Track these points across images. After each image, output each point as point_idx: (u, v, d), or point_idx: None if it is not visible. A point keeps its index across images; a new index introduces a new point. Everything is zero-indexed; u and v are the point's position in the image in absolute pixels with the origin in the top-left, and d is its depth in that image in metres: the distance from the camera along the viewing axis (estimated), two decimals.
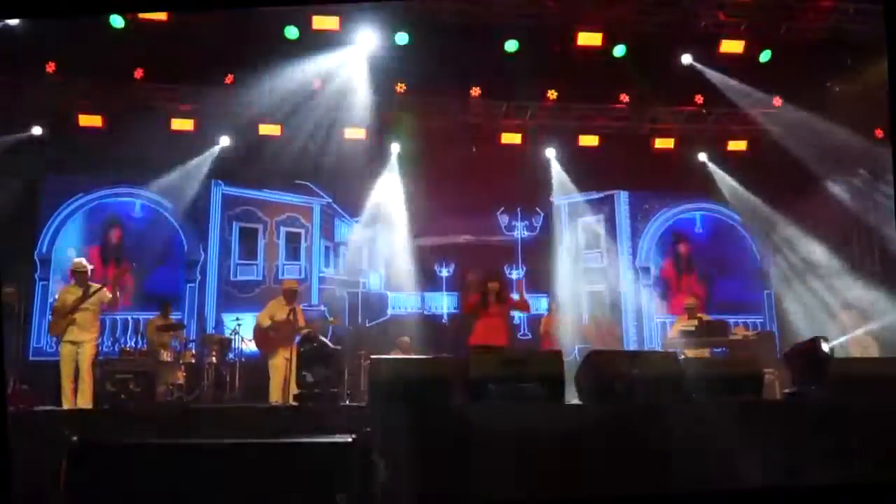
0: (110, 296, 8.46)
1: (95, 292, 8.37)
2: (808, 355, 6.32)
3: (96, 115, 11.45)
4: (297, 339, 8.91)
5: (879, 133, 12.12)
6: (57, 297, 8.98)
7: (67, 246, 11.78)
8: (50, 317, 8.87)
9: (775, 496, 4.34)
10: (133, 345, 10.66)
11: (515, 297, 9.09)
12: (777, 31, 10.67)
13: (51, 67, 10.63)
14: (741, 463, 4.84)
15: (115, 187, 12.30)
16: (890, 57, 1.97)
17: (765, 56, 10.91)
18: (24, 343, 11.22)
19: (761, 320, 13.22)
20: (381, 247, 13.11)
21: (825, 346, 6.43)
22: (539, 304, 12.24)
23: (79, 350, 8.20)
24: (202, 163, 12.13)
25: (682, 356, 8.88)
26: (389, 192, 12.77)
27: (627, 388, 5.70)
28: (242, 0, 7.22)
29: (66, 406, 7.96)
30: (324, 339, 8.71)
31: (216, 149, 12.14)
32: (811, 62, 11.15)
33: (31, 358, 11.18)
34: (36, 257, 11.79)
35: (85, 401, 8.06)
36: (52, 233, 11.97)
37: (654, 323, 13.22)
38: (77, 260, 9.01)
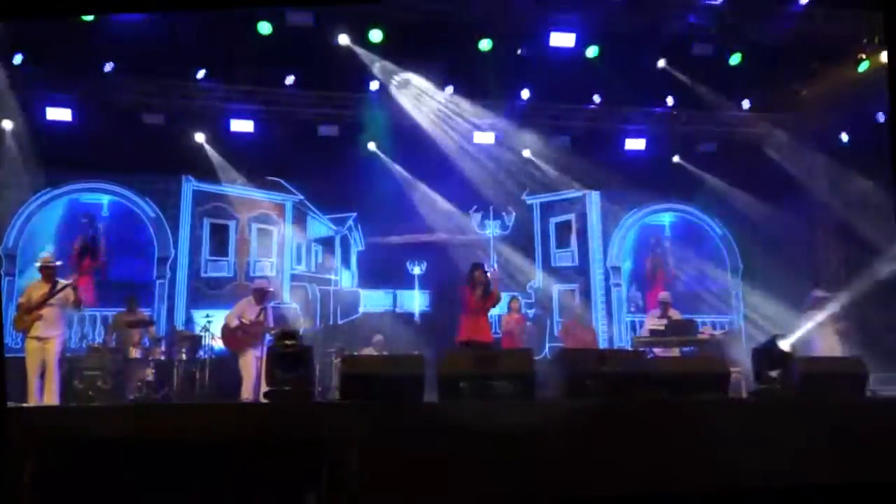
0: (74, 297, 8.32)
1: (62, 289, 8.25)
2: (771, 354, 6.41)
3: (65, 109, 11.28)
4: (269, 339, 8.86)
5: (844, 136, 12.36)
6: (23, 292, 8.84)
7: (32, 241, 11.62)
8: (15, 312, 8.71)
9: (775, 496, 4.40)
10: (101, 341, 10.51)
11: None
12: (747, 34, 10.81)
13: (18, 59, 10.45)
14: (709, 460, 4.91)
15: (83, 182, 12.14)
16: (890, 57, 1.99)
17: (735, 59, 11.04)
18: None
19: (729, 319, 13.39)
20: (353, 244, 13.10)
21: (785, 345, 6.52)
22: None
23: (45, 346, 8.08)
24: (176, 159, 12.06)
25: (652, 355, 8.98)
26: (364, 190, 12.77)
27: (598, 385, 5.75)
28: (221, 1, 7.14)
29: (31, 403, 7.83)
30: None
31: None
32: (780, 65, 11.31)
33: None
34: (1, 252, 11.60)
35: (51, 398, 7.95)
36: (19, 228, 11.78)
37: (624, 321, 13.35)
38: (44, 255, 8.88)
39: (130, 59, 10.64)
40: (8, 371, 8.64)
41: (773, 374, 6.22)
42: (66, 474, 2.32)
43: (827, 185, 12.42)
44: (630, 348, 11.11)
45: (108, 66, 10.83)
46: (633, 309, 13.41)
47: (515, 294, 12.19)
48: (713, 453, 4.93)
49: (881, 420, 5.37)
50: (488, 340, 8.69)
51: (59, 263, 8.75)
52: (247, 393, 9.05)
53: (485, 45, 10.68)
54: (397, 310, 12.90)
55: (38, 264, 8.73)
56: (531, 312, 12.87)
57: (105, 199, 12.26)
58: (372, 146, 12.56)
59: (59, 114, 11.26)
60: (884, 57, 10.97)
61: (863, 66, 11.29)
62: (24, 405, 7.82)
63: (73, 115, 11.31)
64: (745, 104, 12.34)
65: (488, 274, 8.91)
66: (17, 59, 10.44)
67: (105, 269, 10.95)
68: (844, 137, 12.38)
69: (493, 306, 8.95)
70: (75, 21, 9.46)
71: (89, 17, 9.57)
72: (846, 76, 11.54)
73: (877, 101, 11.72)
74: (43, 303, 8.14)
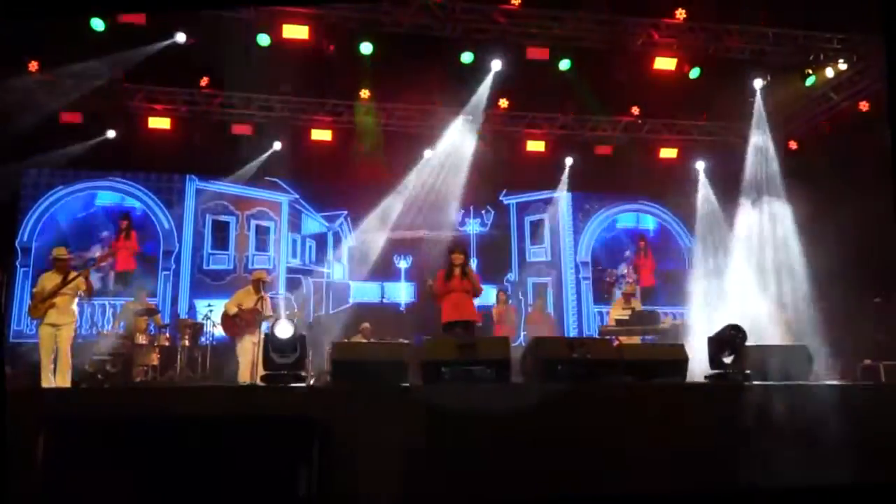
0: (85, 286, 8.26)
1: (73, 280, 8.18)
2: (725, 342, 6.44)
3: (76, 113, 11.16)
4: (267, 325, 8.82)
5: (793, 145, 12.47)
6: (38, 282, 8.75)
7: (47, 234, 11.55)
8: (30, 301, 8.64)
9: (774, 496, 4.42)
10: (110, 329, 10.45)
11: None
12: (706, 50, 10.88)
13: (34, 66, 10.32)
14: (667, 436, 4.94)
15: (93, 181, 12.06)
16: (889, 56, 1.96)
17: (694, 73, 11.11)
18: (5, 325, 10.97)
19: (688, 310, 13.46)
20: (344, 240, 13.08)
21: (739, 334, 6.56)
22: (489, 295, 12.40)
23: (58, 332, 8.00)
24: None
25: (617, 342, 9.01)
26: (354, 189, 12.75)
27: (568, 370, 5.77)
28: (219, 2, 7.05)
29: (45, 385, 7.76)
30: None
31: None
32: (735, 79, 11.39)
33: (11, 340, 10.91)
34: (17, 245, 11.51)
35: (63, 380, 7.87)
36: (33, 223, 11.68)
37: (592, 312, 13.41)
38: (57, 249, 8.80)
39: (137, 66, 10.54)
40: (23, 355, 8.63)
41: (727, 360, 6.26)
42: (75, 450, 2.30)
43: (777, 188, 12.52)
44: (597, 336, 11.16)
45: (117, 73, 10.76)
46: (630, 281, 13.37)
47: (501, 287, 12.23)
48: (671, 429, 4.97)
49: (824, 402, 5.44)
50: (473, 319, 7.85)
51: (71, 256, 8.67)
52: (244, 376, 8.99)
53: (466, 57, 10.69)
54: (385, 300, 12.90)
55: (51, 257, 8.66)
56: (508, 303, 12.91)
57: (116, 197, 12.18)
58: (362, 149, 12.55)
59: (71, 117, 11.15)
60: (829, 72, 11.09)
61: (810, 81, 11.41)
62: (38, 386, 7.76)
63: (84, 118, 11.21)
64: (704, 114, 12.43)
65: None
66: (33, 65, 10.33)
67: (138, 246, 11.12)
68: (791, 145, 12.51)
69: (472, 290, 7.93)
70: (86, 30, 9.38)
71: (100, 28, 9.48)
72: (795, 90, 11.65)
73: (822, 113, 11.87)
74: (56, 292, 8.06)
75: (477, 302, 8.53)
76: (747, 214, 12.74)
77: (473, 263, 13.07)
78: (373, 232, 12.76)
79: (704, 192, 13.12)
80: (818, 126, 11.95)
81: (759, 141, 12.23)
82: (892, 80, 1.98)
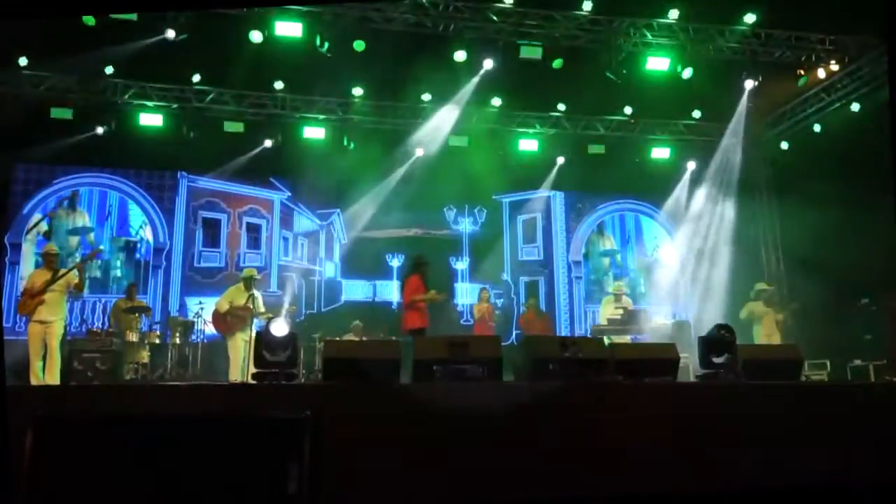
0: (77, 280, 8.21)
1: (63, 275, 8.13)
2: (716, 342, 6.46)
3: (66, 108, 11.09)
4: (260, 323, 8.78)
5: (784, 145, 12.52)
6: (27, 279, 8.70)
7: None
8: (19, 298, 8.58)
9: (774, 496, 4.42)
10: (100, 326, 10.38)
11: None
12: (699, 50, 10.89)
13: (23, 60, 10.26)
14: (658, 435, 4.95)
15: (84, 177, 11.99)
16: (890, 57, 1.96)
17: (687, 73, 11.12)
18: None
19: (680, 309, 13.51)
20: (336, 238, 13.05)
21: (729, 334, 6.57)
22: (472, 293, 12.53)
23: (47, 329, 7.96)
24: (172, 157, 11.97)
25: (609, 341, 9.03)
26: (347, 187, 12.73)
27: (560, 369, 5.77)
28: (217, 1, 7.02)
29: (34, 382, 7.71)
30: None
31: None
32: (727, 79, 11.42)
33: None
34: (7, 241, 11.42)
35: (52, 378, 7.82)
36: (22, 218, 11.61)
37: (583, 311, 13.43)
38: (48, 245, 8.75)
39: (128, 62, 10.50)
40: (12, 352, 8.58)
41: (718, 359, 6.27)
42: (64, 449, 2.28)
43: (768, 188, 12.58)
44: (589, 335, 11.17)
45: (108, 70, 10.70)
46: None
47: (485, 285, 12.20)
48: (662, 428, 4.98)
49: (812, 401, 5.46)
50: (427, 326, 8.53)
51: (59, 252, 8.62)
52: (235, 374, 8.96)
53: (460, 55, 10.66)
54: (376, 299, 12.87)
55: (41, 253, 8.61)
56: (500, 302, 12.91)
57: (107, 193, 12.12)
58: (353, 147, 12.53)
59: (61, 113, 11.08)
60: (821, 73, 11.14)
61: (801, 82, 11.45)
62: (27, 384, 7.70)
63: (75, 114, 11.14)
64: (696, 114, 12.46)
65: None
66: (22, 60, 10.27)
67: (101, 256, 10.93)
68: (784, 145, 12.55)
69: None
70: (76, 25, 9.30)
71: (90, 22, 9.39)
72: (787, 90, 11.69)
73: (814, 113, 11.91)
74: (45, 289, 8.02)
75: (468, 300, 8.71)
76: (738, 212, 12.82)
77: (466, 262, 13.15)
78: (365, 230, 12.74)
79: (696, 191, 13.17)
80: (809, 125, 11.99)
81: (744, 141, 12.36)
82: (893, 80, 1.98)
